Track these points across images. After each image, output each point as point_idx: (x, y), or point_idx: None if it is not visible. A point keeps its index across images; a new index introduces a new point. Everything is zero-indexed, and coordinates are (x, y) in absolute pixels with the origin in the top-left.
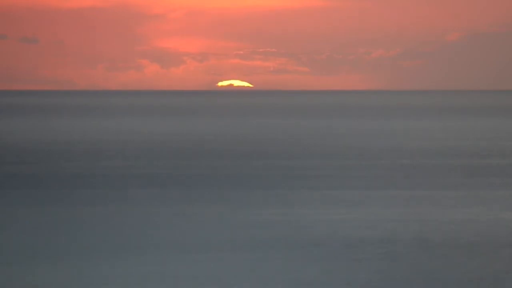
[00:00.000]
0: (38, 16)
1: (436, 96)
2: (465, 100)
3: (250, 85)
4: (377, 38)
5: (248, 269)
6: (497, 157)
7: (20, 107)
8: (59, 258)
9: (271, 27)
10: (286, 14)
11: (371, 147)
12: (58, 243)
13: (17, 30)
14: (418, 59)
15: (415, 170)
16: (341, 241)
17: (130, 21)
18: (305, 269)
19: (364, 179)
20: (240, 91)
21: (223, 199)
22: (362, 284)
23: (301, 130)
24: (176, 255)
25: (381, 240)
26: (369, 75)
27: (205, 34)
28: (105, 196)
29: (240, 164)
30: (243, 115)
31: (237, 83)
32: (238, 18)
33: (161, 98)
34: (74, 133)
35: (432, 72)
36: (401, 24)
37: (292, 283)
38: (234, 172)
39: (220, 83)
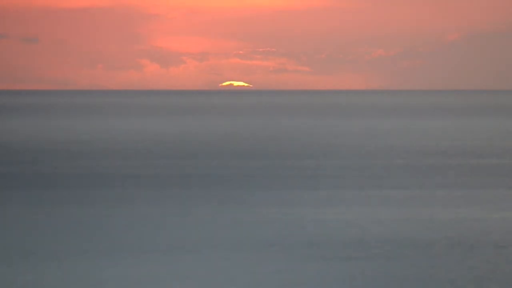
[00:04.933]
0: (38, 16)
1: (436, 96)
2: (464, 100)
3: (250, 85)
4: (377, 38)
5: (247, 268)
6: (496, 157)
7: (20, 107)
8: (58, 258)
9: (271, 27)
10: (286, 14)
11: (370, 146)
12: (57, 243)
13: (18, 29)
14: (418, 59)
15: (414, 170)
16: (340, 240)
17: (130, 20)
18: (303, 268)
19: (362, 179)
20: (240, 91)
21: (222, 199)
22: (360, 284)
23: (301, 130)
24: (175, 255)
25: (379, 240)
26: (369, 75)
27: (205, 34)
28: (104, 196)
29: (239, 164)
30: (242, 115)
31: (237, 82)
32: (238, 18)
33: (161, 98)
34: (74, 133)
35: (432, 72)
36: (401, 24)
37: (291, 283)
38: (233, 172)
39: (222, 84)
